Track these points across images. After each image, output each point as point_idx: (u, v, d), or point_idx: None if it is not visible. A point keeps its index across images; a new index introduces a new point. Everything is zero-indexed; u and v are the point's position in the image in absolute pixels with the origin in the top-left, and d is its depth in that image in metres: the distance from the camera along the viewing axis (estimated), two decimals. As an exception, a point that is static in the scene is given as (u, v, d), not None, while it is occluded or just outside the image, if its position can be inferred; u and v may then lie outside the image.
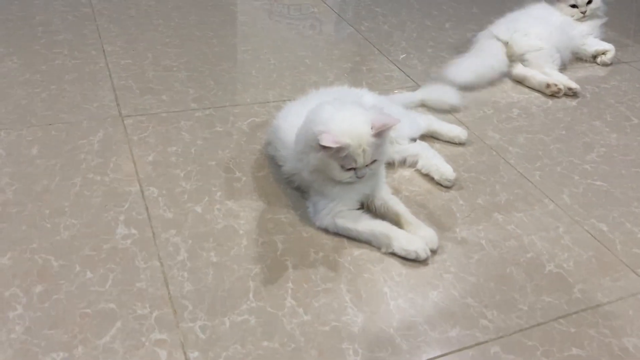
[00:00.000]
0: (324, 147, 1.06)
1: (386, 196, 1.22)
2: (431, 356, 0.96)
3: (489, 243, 1.20)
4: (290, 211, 1.23)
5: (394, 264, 1.12)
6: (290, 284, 1.06)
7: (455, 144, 1.52)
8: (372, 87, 1.66)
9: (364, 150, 1.09)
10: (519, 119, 1.68)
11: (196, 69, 1.76)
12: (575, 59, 2.07)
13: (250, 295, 1.03)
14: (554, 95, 1.82)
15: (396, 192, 1.30)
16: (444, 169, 1.36)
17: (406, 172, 1.40)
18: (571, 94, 1.83)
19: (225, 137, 1.45)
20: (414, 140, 1.45)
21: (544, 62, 1.89)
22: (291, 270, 1.09)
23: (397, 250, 1.12)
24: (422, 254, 1.11)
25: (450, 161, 1.39)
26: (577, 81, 1.86)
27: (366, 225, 1.15)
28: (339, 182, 1.14)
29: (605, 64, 2.07)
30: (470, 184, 1.38)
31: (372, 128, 1.09)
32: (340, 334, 0.98)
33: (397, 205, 1.20)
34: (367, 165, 1.12)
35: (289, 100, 1.47)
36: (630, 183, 1.44)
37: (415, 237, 1.13)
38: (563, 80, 1.84)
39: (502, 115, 1.69)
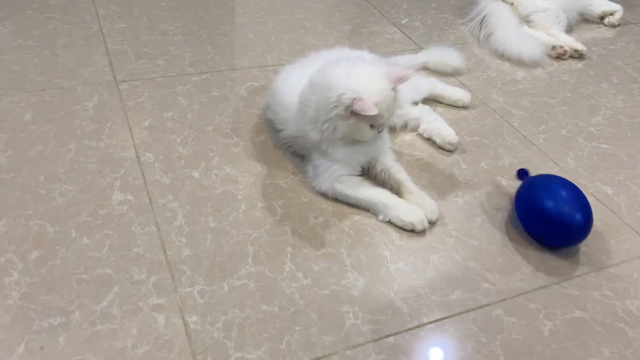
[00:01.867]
0: (356, 114, 1.03)
1: (389, 163, 1.19)
2: (432, 319, 0.95)
3: (492, 207, 1.18)
4: (290, 176, 1.21)
5: (395, 228, 1.11)
6: (289, 249, 1.04)
7: (459, 107, 1.49)
8: (373, 50, 1.62)
9: (387, 106, 1.06)
10: (524, 81, 1.64)
11: (193, 32, 1.72)
12: (582, 20, 2.02)
13: (249, 259, 1.02)
14: (559, 57, 1.77)
15: (398, 156, 1.28)
16: (446, 133, 1.33)
17: (408, 137, 1.37)
18: (577, 55, 1.78)
19: (222, 102, 1.42)
20: (416, 103, 1.41)
21: (550, 24, 1.83)
22: (290, 235, 1.07)
23: (394, 220, 1.10)
24: (419, 226, 1.09)
25: (452, 125, 1.36)
26: (584, 43, 1.81)
27: (365, 192, 1.13)
28: (346, 145, 1.11)
29: (612, 25, 2.01)
30: (473, 148, 1.35)
31: (389, 82, 1.06)
32: (340, 297, 0.97)
33: (399, 173, 1.17)
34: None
35: (288, 63, 1.43)
36: (636, 145, 1.41)
37: (414, 208, 1.11)
38: (569, 42, 1.79)
39: (506, 77, 1.65)
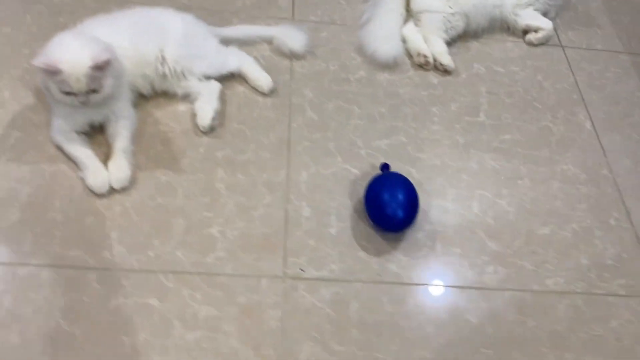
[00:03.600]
0: (46, 73, 1.22)
1: (118, 130, 1.36)
2: (44, 266, 1.19)
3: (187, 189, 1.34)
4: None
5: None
6: None
7: (260, 92, 1.57)
8: (241, 13, 1.70)
9: (78, 79, 1.23)
10: (354, 83, 1.65)
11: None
12: (503, 28, 1.87)
13: None
14: (421, 66, 1.72)
15: (151, 123, 1.44)
16: (202, 115, 1.45)
17: (182, 107, 1.51)
18: (442, 69, 1.72)
19: None
20: (211, 78, 1.52)
21: (434, 29, 1.75)
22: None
23: (84, 179, 1.31)
24: (96, 190, 1.29)
25: (234, 107, 1.49)
26: (474, 57, 1.73)
27: (74, 149, 1.33)
28: (67, 104, 1.31)
29: (531, 44, 1.85)
30: (229, 136, 1.47)
31: (91, 60, 1.22)
32: None
33: (118, 142, 1.35)
34: (88, 94, 1.27)
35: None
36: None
37: (103, 172, 1.30)
38: (438, 52, 1.71)
39: (341, 74, 1.66)
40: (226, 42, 1.61)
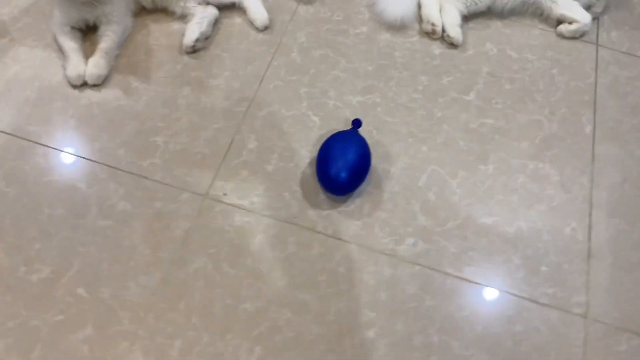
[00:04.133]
0: None
1: (106, 32, 1.47)
2: (6, 134, 1.35)
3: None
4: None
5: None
6: None
7: (254, 27, 1.61)
8: None
9: None
10: (351, 37, 1.63)
11: None
12: (537, 13, 1.75)
13: None
14: (428, 34, 1.66)
15: (143, 34, 1.54)
16: (188, 35, 1.52)
17: (177, 26, 1.59)
18: (448, 42, 1.65)
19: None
20: (210, 4, 1.59)
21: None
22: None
23: (65, 69, 1.44)
24: (71, 81, 1.42)
25: (224, 36, 1.56)
26: (489, 35, 1.66)
27: (64, 40, 1.46)
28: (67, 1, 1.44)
29: (561, 35, 1.72)
30: (208, 60, 1.53)
31: None
32: None
33: (103, 42, 1.46)
34: None
35: None
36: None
37: (82, 67, 1.43)
38: (448, 24, 1.64)
39: (341, 25, 1.65)
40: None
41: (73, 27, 1.49)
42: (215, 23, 1.59)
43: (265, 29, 1.61)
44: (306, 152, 1.39)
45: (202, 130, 1.40)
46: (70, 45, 1.46)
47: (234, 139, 1.40)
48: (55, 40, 1.49)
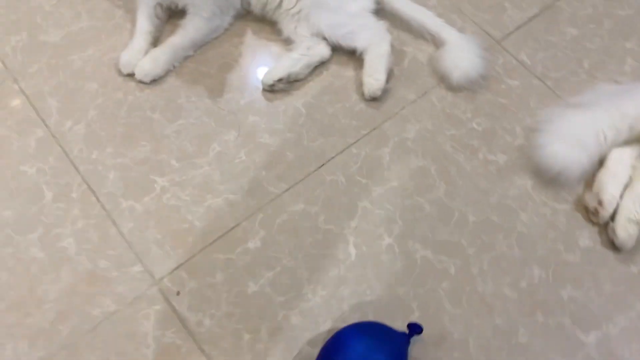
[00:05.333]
0: None
1: (184, 26, 1.22)
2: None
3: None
4: None
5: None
6: None
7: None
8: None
9: None
10: (486, 165, 1.14)
11: None
12: None
13: None
14: (587, 211, 1.09)
15: (232, 44, 1.25)
16: (274, 68, 1.19)
17: (275, 48, 1.25)
18: (610, 238, 1.07)
19: None
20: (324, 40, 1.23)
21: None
22: None
23: (124, 50, 1.21)
24: (120, 65, 1.19)
25: (320, 86, 1.21)
26: None
27: (140, 18, 1.23)
28: None
29: None
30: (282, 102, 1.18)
31: None
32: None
33: (175, 36, 1.21)
34: None
35: None
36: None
37: (137, 55, 1.20)
38: (624, 217, 1.05)
39: (474, 140, 1.16)
40: (383, 14, 1.26)
41: (159, 5, 1.23)
42: (319, 66, 1.22)
43: (373, 99, 1.19)
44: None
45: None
46: (143, 25, 1.22)
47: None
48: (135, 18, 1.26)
